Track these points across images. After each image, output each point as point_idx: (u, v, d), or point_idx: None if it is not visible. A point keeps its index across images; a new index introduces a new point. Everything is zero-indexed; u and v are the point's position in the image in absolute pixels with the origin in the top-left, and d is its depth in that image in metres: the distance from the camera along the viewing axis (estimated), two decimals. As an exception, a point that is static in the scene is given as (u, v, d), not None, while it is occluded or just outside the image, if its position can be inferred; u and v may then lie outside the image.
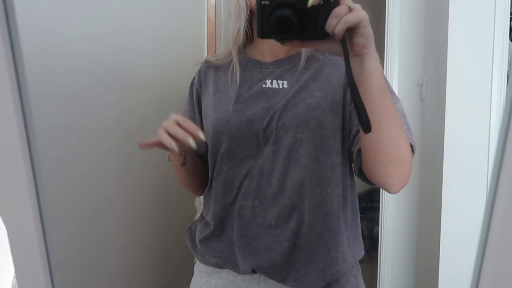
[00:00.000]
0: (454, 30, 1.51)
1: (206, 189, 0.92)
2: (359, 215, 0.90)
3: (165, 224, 1.44)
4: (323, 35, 0.60)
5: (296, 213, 0.80)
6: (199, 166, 0.94)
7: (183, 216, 1.50)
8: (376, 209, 3.07)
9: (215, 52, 1.79)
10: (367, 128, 0.58)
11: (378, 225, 2.86)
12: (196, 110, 0.93)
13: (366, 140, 0.70)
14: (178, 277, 1.44)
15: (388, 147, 0.68)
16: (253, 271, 0.83)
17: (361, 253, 0.89)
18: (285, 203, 0.80)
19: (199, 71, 0.94)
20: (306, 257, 0.81)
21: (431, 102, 1.85)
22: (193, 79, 0.95)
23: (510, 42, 1.56)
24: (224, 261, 0.85)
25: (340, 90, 0.81)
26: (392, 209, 2.15)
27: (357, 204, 0.90)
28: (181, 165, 0.87)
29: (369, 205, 3.21)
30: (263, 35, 0.62)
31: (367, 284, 2.85)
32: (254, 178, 0.82)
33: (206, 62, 0.94)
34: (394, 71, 2.08)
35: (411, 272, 2.17)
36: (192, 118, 0.94)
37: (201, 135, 0.72)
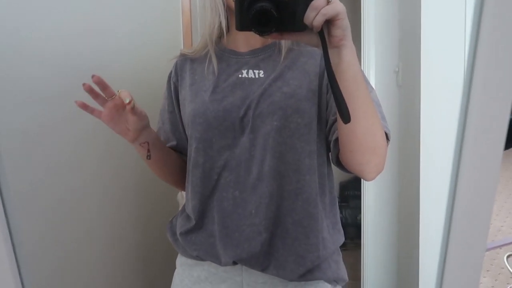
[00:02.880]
0: (427, 17, 1.54)
1: (186, 184, 0.92)
2: (337, 203, 0.91)
3: (147, 219, 1.43)
4: (301, 27, 0.61)
5: (274, 201, 0.81)
6: (171, 160, 0.94)
7: (165, 210, 1.50)
8: (359, 197, 3.11)
9: (192, 45, 1.77)
10: (346, 118, 0.60)
11: (360, 213, 2.91)
12: (174, 104, 0.93)
13: (343, 130, 0.72)
14: (162, 271, 1.44)
15: (364, 136, 0.70)
16: (234, 262, 0.83)
17: (341, 239, 0.90)
18: (263, 191, 0.81)
19: (175, 65, 0.94)
20: (285, 244, 0.82)
21: (407, 89, 1.88)
22: (170, 73, 0.95)
23: (481, 28, 1.59)
24: (205, 253, 0.86)
25: (315, 79, 0.82)
26: (373, 196, 2.19)
27: (335, 192, 0.91)
28: (147, 158, 0.88)
29: (352, 193, 3.24)
30: (242, 27, 0.63)
31: (353, 270, 2.90)
32: (232, 169, 0.83)
33: (182, 55, 0.95)
34: (370, 59, 2.10)
35: (393, 256, 2.21)
36: (171, 112, 0.94)
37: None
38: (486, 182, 0.30)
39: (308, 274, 0.83)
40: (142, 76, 1.37)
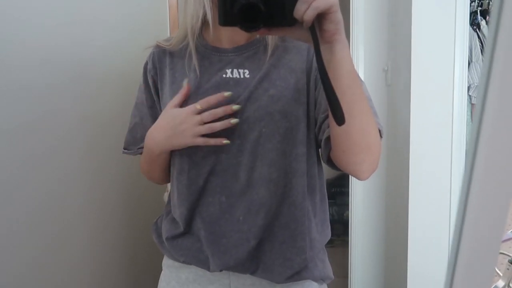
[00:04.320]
0: (417, 16, 1.54)
1: (170, 188, 0.89)
2: (327, 200, 0.90)
3: (132, 217, 1.41)
4: (291, 21, 0.56)
5: (264, 209, 0.79)
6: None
7: (151, 208, 1.47)
8: (346, 194, 3.12)
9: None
10: (340, 120, 0.55)
11: (348, 209, 2.93)
12: (155, 99, 0.88)
13: (336, 130, 0.68)
14: (147, 269, 1.42)
15: (359, 135, 0.67)
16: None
17: (329, 236, 0.88)
18: (253, 199, 0.79)
19: (152, 56, 0.87)
20: (272, 248, 0.81)
21: (396, 88, 1.89)
22: (146, 64, 0.88)
23: (470, 28, 1.61)
24: (191, 259, 0.84)
25: (302, 77, 0.78)
26: (361, 194, 2.20)
27: (325, 189, 0.89)
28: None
29: (339, 190, 3.26)
30: (226, 23, 0.58)
31: (340, 267, 2.91)
32: (219, 174, 0.80)
33: (158, 47, 0.87)
34: (359, 57, 2.11)
35: (381, 253, 2.23)
36: (151, 108, 0.88)
37: (235, 107, 0.75)
38: (503, 177, 0.29)
39: (295, 275, 0.81)
40: (128, 71, 1.34)
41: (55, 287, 1.06)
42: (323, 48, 0.58)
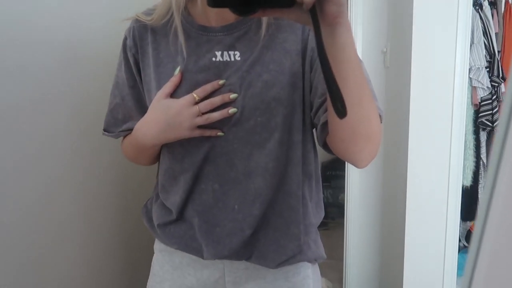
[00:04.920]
0: (420, -4, 1.51)
1: (160, 172, 0.85)
2: (321, 181, 0.87)
3: (127, 202, 1.39)
4: (290, 2, 0.50)
5: (260, 199, 0.76)
6: None
7: (146, 193, 1.46)
8: (341, 177, 3.13)
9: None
10: (341, 112, 0.49)
11: (343, 192, 2.93)
12: (137, 79, 0.81)
13: (334, 118, 0.63)
14: (142, 255, 1.41)
15: (360, 124, 0.63)
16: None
17: (322, 216, 0.87)
18: (249, 188, 0.76)
19: (132, 31, 0.79)
20: (266, 235, 0.79)
21: (395, 70, 1.87)
22: (125, 39, 0.80)
23: (473, 9, 1.58)
24: (185, 247, 0.82)
25: (298, 59, 0.73)
26: (357, 177, 2.20)
27: (319, 171, 0.86)
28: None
29: (334, 174, 3.27)
30: (216, 4, 0.51)
31: (333, 249, 2.93)
32: (212, 161, 0.76)
33: (138, 21, 0.79)
34: (358, 38, 2.07)
35: (377, 236, 2.24)
36: (133, 87, 0.82)
37: (232, 95, 0.72)
38: None
39: (290, 259, 0.80)
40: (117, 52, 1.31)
41: (51, 275, 1.04)
42: (324, 32, 0.52)
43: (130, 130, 0.84)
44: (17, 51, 0.92)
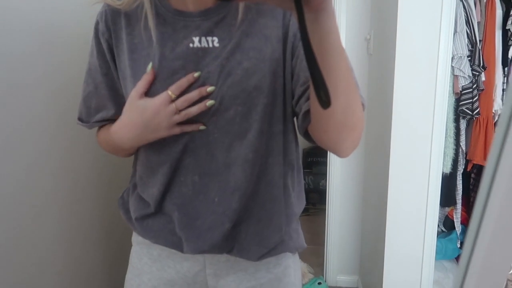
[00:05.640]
0: (405, -17, 1.51)
1: (137, 163, 0.83)
2: (302, 172, 0.86)
3: (106, 191, 1.36)
4: None
5: (239, 192, 0.74)
6: None
7: (124, 181, 1.43)
8: (322, 163, 3.16)
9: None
10: (325, 103, 0.47)
11: (324, 178, 2.96)
12: (111, 66, 0.77)
13: (317, 109, 0.62)
14: (121, 247, 1.39)
15: (343, 115, 0.61)
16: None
17: (303, 205, 0.86)
18: (229, 180, 0.74)
19: (104, 15, 0.75)
20: (248, 228, 0.77)
21: (378, 57, 1.87)
22: (96, 24, 0.76)
23: (457, -3, 1.59)
24: (163, 241, 0.79)
25: (278, 46, 0.70)
26: (339, 163, 2.22)
27: (300, 161, 0.85)
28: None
29: (315, 160, 3.29)
30: None
31: (314, 235, 2.95)
32: (191, 152, 0.74)
33: (108, 6, 0.75)
34: (341, 25, 2.07)
35: (357, 222, 2.28)
36: (106, 75, 0.78)
37: (209, 88, 0.69)
38: None
39: (272, 251, 0.80)
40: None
41: (31, 266, 1.01)
42: (307, 18, 0.49)
43: (103, 121, 0.81)
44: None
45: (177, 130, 0.71)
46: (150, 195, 0.79)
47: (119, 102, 0.78)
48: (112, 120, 0.80)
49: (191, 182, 0.75)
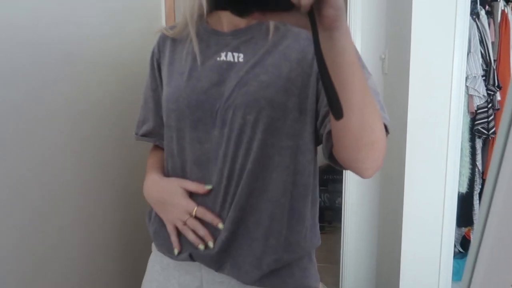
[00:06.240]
0: (418, 4, 1.53)
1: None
2: (318, 204, 0.85)
3: (126, 206, 1.40)
4: (287, 6, 0.51)
5: (241, 201, 0.76)
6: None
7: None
8: (338, 181, 3.15)
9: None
10: (338, 114, 0.51)
11: (339, 196, 2.95)
12: (158, 82, 0.88)
13: (336, 125, 0.65)
14: (142, 260, 1.42)
15: (361, 131, 0.63)
16: (191, 258, 0.80)
17: (316, 244, 0.84)
18: (229, 190, 0.76)
19: (158, 41, 0.88)
20: (244, 244, 0.77)
21: (393, 76, 1.89)
22: (153, 49, 0.89)
23: (471, 18, 1.61)
24: (165, 250, 0.84)
25: (297, 67, 0.75)
26: (355, 181, 2.21)
27: (317, 192, 0.85)
28: None
29: (331, 177, 3.29)
30: (217, 6, 0.55)
31: (330, 253, 2.91)
32: (202, 165, 0.78)
33: (163, 33, 0.88)
34: (356, 45, 2.10)
35: (374, 240, 2.26)
36: (154, 91, 0.88)
37: (210, 244, 0.77)
38: None
39: (264, 279, 0.77)
40: (117, 53, 1.32)
41: (53, 275, 1.05)
42: (322, 36, 0.53)
43: (147, 136, 0.92)
44: (17, 51, 0.93)
45: (172, 229, 0.82)
46: None
47: (160, 116, 0.87)
48: (154, 135, 0.91)
49: (202, 196, 0.78)
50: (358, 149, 0.65)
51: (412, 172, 1.60)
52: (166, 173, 0.85)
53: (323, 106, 0.73)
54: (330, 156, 0.73)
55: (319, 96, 0.75)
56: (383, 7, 2.05)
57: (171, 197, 0.80)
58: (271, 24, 0.77)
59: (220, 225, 0.76)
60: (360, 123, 0.62)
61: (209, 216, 0.77)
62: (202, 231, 0.77)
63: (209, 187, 0.77)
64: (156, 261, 0.88)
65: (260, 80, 0.74)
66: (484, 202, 0.30)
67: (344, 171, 2.28)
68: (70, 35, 1.11)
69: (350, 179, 2.22)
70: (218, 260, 0.78)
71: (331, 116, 0.65)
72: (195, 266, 0.81)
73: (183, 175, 0.80)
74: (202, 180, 0.78)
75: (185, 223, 0.78)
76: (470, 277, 0.32)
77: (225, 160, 0.75)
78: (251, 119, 0.73)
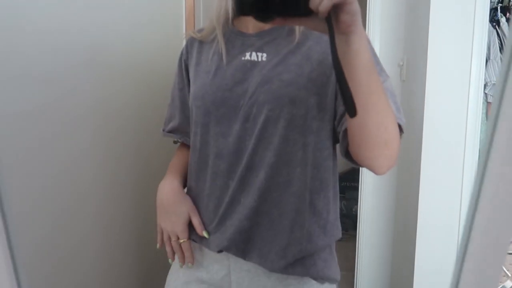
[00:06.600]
0: (436, 12, 1.52)
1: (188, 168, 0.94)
2: (338, 198, 0.89)
3: (145, 217, 1.43)
4: (306, 12, 0.56)
5: (258, 192, 0.80)
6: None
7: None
8: (355, 189, 3.12)
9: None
10: (352, 112, 0.55)
11: (356, 204, 2.93)
12: (185, 82, 0.93)
13: (351, 123, 0.69)
14: (158, 271, 1.44)
15: (374, 129, 0.67)
16: (220, 250, 0.85)
17: (337, 236, 0.87)
18: (251, 182, 0.81)
19: (187, 44, 0.94)
20: (269, 235, 0.82)
21: (411, 83, 1.87)
22: (182, 50, 0.95)
23: (490, 25, 1.59)
24: (196, 237, 0.89)
25: (318, 68, 0.79)
26: (371, 189, 2.20)
27: (338, 187, 0.89)
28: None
29: (348, 185, 3.26)
30: (242, 12, 0.60)
31: (344, 261, 2.89)
32: (224, 157, 0.82)
33: (192, 36, 0.94)
34: (375, 51, 2.09)
35: (388, 248, 2.23)
36: (181, 90, 0.94)
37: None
38: None
39: (289, 268, 0.82)
40: (140, 59, 1.35)
41: (74, 274, 1.08)
42: (338, 39, 0.58)
43: (172, 132, 0.97)
44: (48, 57, 0.97)
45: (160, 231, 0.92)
46: (187, 188, 0.91)
47: (185, 114, 0.94)
48: (179, 132, 0.96)
49: (226, 187, 0.83)
50: (372, 147, 0.69)
51: (427, 181, 1.58)
52: (190, 167, 0.91)
53: (340, 105, 0.77)
54: (347, 153, 0.77)
55: (338, 95, 0.79)
56: (402, 14, 2.04)
57: (175, 215, 0.87)
58: (297, 27, 0.81)
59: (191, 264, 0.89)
60: (374, 122, 0.66)
61: (188, 253, 0.88)
62: (179, 253, 0.88)
63: (206, 235, 0.86)
64: None
65: (283, 79, 0.78)
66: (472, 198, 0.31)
67: (360, 178, 2.27)
68: (96, 41, 1.15)
69: (366, 186, 2.20)
70: (243, 249, 0.83)
71: (347, 115, 0.67)
72: (223, 255, 0.86)
73: (205, 168, 0.85)
74: (226, 172, 0.83)
75: (169, 239, 0.88)
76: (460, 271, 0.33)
77: (245, 153, 0.80)
78: (273, 116, 0.78)
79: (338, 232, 0.87)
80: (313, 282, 0.84)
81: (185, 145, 0.97)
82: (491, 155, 0.28)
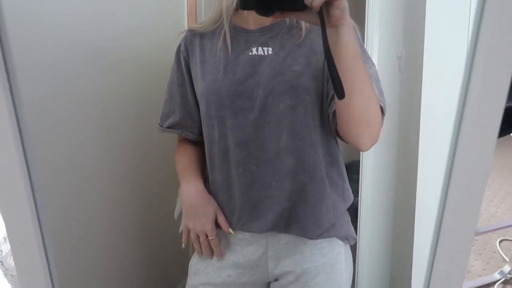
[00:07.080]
0: (432, 3, 1.52)
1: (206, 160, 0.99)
2: (345, 171, 1.01)
3: (159, 218, 1.45)
4: (301, 6, 0.65)
5: (291, 175, 0.88)
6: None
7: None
8: (355, 181, 3.12)
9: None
10: (341, 94, 0.64)
11: (357, 196, 2.93)
12: (186, 78, 0.97)
13: (339, 104, 0.78)
14: (174, 272, 1.46)
15: (359, 111, 0.76)
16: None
17: (350, 200, 1.00)
18: (281, 166, 0.88)
19: (185, 39, 0.97)
20: (306, 209, 0.91)
21: (409, 75, 1.88)
22: (179, 46, 0.98)
23: (486, 15, 1.58)
24: (235, 226, 0.96)
25: (321, 58, 0.87)
26: (371, 180, 2.20)
27: (341, 157, 0.99)
28: None
29: (349, 177, 3.26)
30: (245, 7, 0.67)
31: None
32: (244, 146, 0.88)
33: (190, 31, 0.97)
34: (374, 43, 2.08)
35: (388, 241, 2.25)
36: (181, 86, 0.97)
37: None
38: (480, 168, 0.32)
39: (325, 233, 0.93)
40: (145, 55, 1.37)
41: (78, 269, 1.10)
42: (329, 31, 0.66)
43: (172, 127, 1.01)
44: (48, 44, 0.99)
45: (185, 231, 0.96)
46: (211, 180, 0.97)
47: (188, 108, 0.98)
48: (180, 126, 0.99)
49: (249, 172, 0.89)
50: (356, 126, 0.79)
51: (425, 174, 1.59)
52: (210, 159, 0.96)
53: (331, 89, 0.86)
54: (335, 131, 0.87)
55: (328, 80, 0.87)
56: (401, 5, 2.04)
57: (204, 216, 0.93)
58: (303, 24, 0.89)
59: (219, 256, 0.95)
60: (359, 104, 0.75)
61: (217, 248, 0.94)
62: (207, 249, 0.94)
63: (232, 232, 0.94)
64: (220, 236, 0.99)
65: (294, 70, 0.86)
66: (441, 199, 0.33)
67: (360, 170, 2.27)
68: (98, 32, 1.17)
69: (366, 179, 2.20)
70: (285, 227, 0.93)
71: (335, 97, 0.77)
72: (261, 235, 0.95)
73: (226, 157, 0.91)
74: (248, 159, 0.90)
75: (198, 237, 0.94)
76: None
77: (269, 139, 0.88)
78: (291, 104, 0.86)
79: (351, 196, 1.01)
80: (340, 241, 0.97)
81: (186, 140, 1.02)
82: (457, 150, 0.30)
